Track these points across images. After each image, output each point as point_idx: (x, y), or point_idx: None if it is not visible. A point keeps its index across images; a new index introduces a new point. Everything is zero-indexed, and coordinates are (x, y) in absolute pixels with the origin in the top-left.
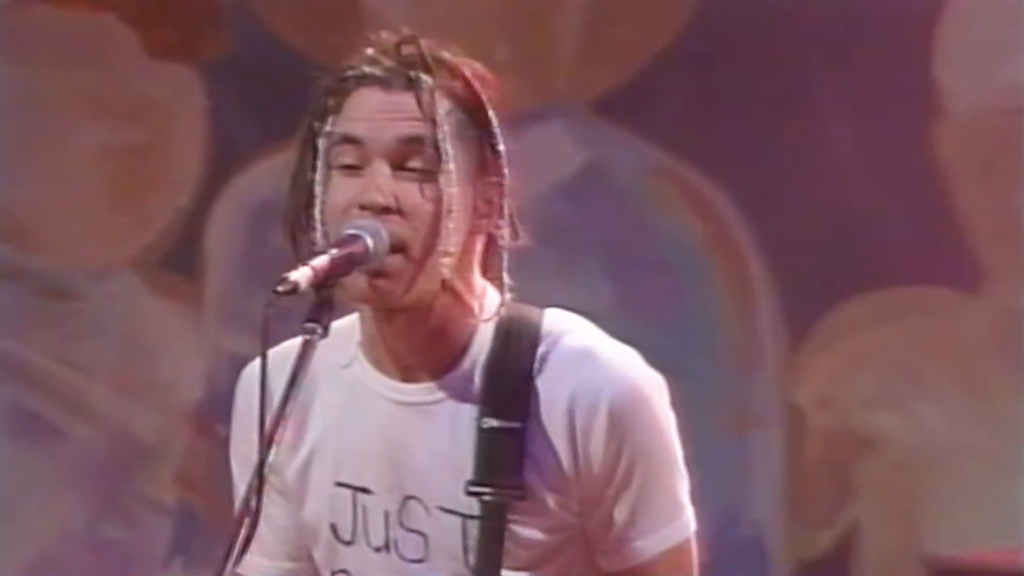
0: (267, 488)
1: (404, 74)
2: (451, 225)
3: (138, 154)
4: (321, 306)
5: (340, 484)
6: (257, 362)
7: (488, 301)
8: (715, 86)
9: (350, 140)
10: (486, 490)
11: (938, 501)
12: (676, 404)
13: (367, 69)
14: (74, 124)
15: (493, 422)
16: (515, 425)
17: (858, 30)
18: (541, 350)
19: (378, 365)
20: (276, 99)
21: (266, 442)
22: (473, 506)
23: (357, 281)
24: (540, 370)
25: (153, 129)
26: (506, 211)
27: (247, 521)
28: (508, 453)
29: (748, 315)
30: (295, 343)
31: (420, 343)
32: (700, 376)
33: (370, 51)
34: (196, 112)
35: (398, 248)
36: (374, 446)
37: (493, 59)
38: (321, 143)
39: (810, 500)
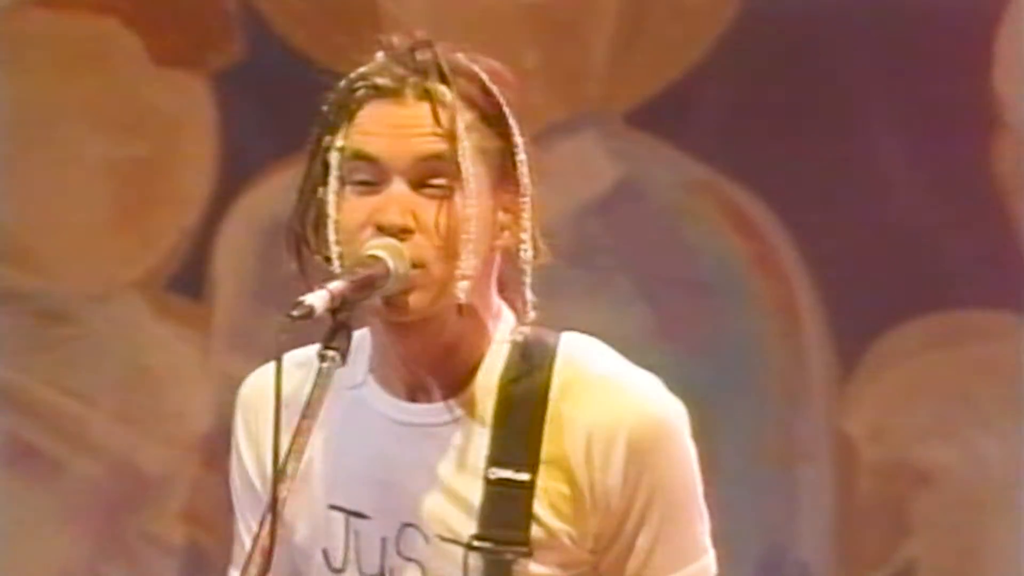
0: (256, 516)
1: (419, 85)
2: (470, 245)
3: (142, 169)
4: (338, 331)
5: (333, 507)
6: (255, 378)
7: (503, 322)
8: (758, 95)
9: (365, 157)
10: (490, 546)
11: (999, 539)
12: (716, 435)
13: (379, 80)
14: (74, 136)
15: (501, 472)
16: (523, 477)
17: (912, 37)
18: (557, 376)
19: (383, 382)
20: (290, 110)
21: (279, 477)
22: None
23: (375, 300)
24: (555, 397)
25: (158, 142)
26: (527, 224)
27: (258, 560)
28: (516, 507)
29: (794, 340)
30: (306, 353)
31: (430, 361)
32: (742, 406)
33: (381, 58)
34: (204, 124)
35: (418, 265)
36: (372, 468)
37: (521, 67)
38: (333, 158)
39: (862, 539)
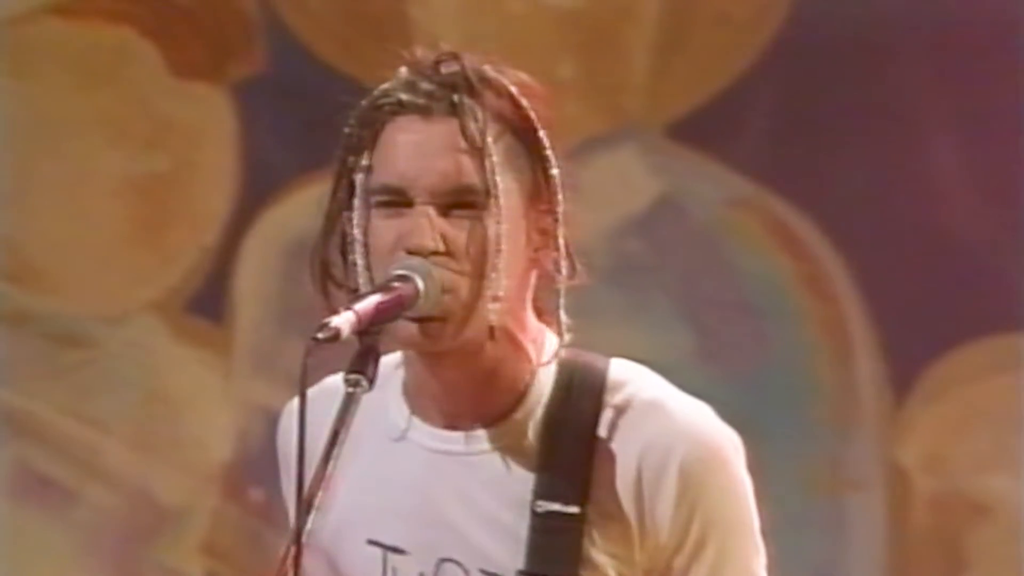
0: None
1: (446, 98)
2: (501, 265)
3: (160, 184)
4: (366, 355)
5: (371, 542)
6: (294, 404)
7: (547, 347)
8: (806, 106)
9: (390, 191)
10: None
11: None
12: (762, 464)
13: (403, 96)
14: (88, 151)
15: (549, 505)
16: (572, 510)
17: (967, 45)
18: (607, 403)
19: (418, 410)
20: (314, 123)
21: (304, 508)
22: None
23: (404, 326)
24: (605, 425)
25: (177, 156)
26: (561, 242)
27: None
28: (565, 541)
29: (844, 364)
30: (338, 380)
31: (470, 389)
32: (790, 433)
33: (404, 72)
34: (225, 137)
35: (448, 290)
36: (408, 500)
37: (556, 78)
38: (358, 179)
39: (916, 573)
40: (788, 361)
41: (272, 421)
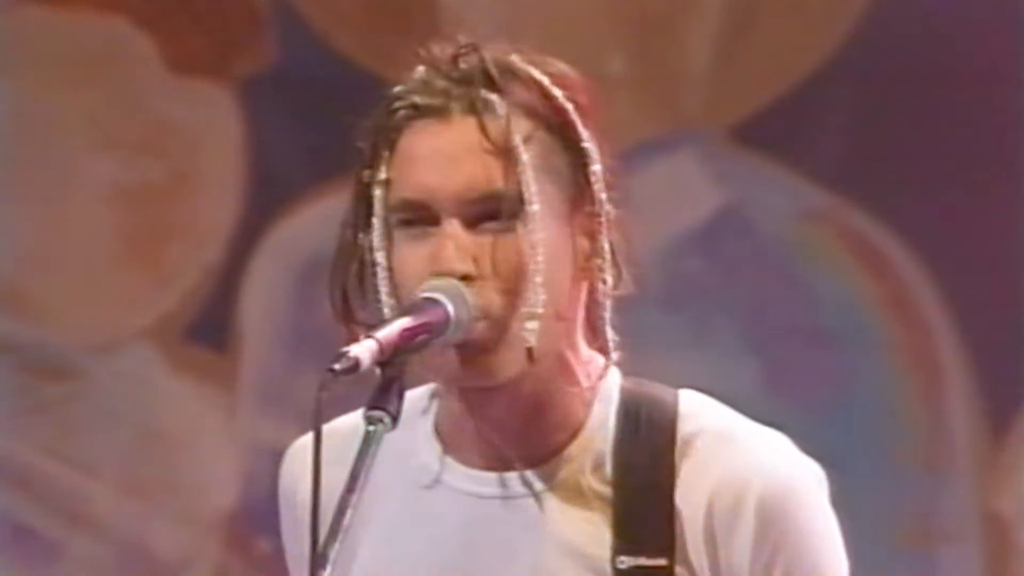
0: None
1: (465, 97)
2: (539, 279)
3: (156, 195)
4: (388, 388)
5: None
6: (304, 441)
7: (605, 373)
8: (887, 107)
9: (411, 206)
10: None
11: None
12: (842, 513)
13: (418, 99)
14: (75, 156)
15: (633, 560)
16: (661, 562)
17: None
18: (680, 439)
19: (452, 450)
20: (330, 125)
21: (320, 562)
22: None
23: (441, 359)
24: (681, 462)
25: (175, 163)
26: (606, 247)
27: None
28: None
29: (935, 400)
30: (354, 419)
31: (518, 426)
32: (873, 478)
33: (421, 71)
34: (230, 142)
35: (484, 314)
36: (449, 554)
37: (606, 73)
38: (376, 195)
39: None
40: (870, 396)
41: (280, 463)
